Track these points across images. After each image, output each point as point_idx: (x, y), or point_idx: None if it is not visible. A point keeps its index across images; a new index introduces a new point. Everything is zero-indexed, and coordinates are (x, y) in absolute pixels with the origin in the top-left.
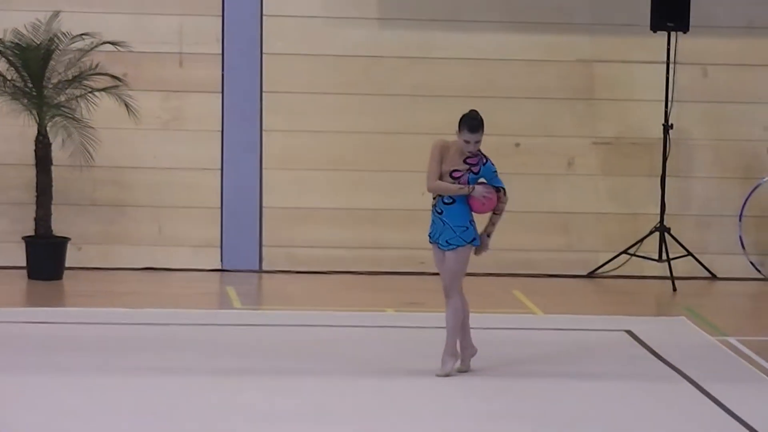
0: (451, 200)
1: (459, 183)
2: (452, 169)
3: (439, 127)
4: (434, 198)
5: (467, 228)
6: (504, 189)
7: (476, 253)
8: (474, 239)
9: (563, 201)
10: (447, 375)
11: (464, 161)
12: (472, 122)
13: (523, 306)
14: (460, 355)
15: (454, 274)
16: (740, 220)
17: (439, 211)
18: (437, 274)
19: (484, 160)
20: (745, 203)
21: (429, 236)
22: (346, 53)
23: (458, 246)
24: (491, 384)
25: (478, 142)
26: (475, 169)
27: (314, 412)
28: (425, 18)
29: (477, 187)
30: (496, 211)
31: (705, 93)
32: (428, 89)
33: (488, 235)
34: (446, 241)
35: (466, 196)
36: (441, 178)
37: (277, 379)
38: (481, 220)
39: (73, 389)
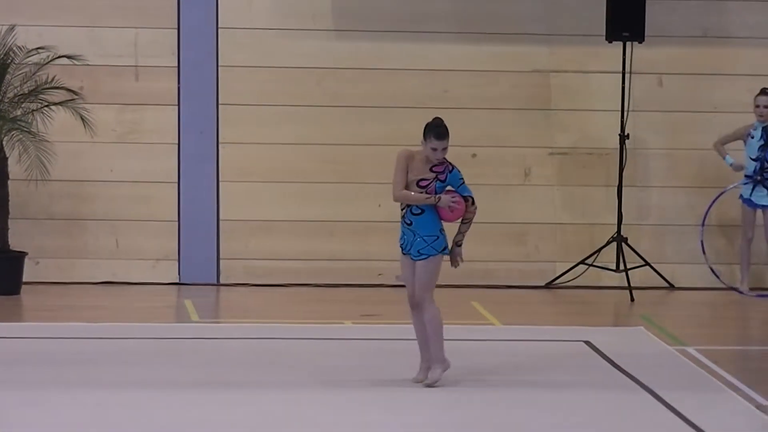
0: (419, 210)
1: (426, 192)
2: (419, 178)
3: (394, 138)
4: (402, 209)
5: (437, 237)
6: (472, 198)
7: (453, 265)
8: (445, 248)
9: (520, 211)
10: (433, 383)
11: (430, 169)
12: (438, 129)
13: (482, 317)
14: (421, 366)
15: (425, 284)
16: (702, 226)
17: (409, 222)
18: (395, 286)
19: (450, 168)
20: (708, 210)
21: (401, 247)
22: (300, 65)
23: (429, 255)
24: (450, 395)
25: (445, 149)
26: (441, 176)
27: (275, 425)
28: (379, 29)
29: (443, 196)
30: (465, 220)
31: (661, 102)
32: (383, 100)
33: (458, 245)
34: (418, 251)
35: (433, 205)
36: (407, 187)
37: (236, 392)
38: (451, 229)
39: (31, 404)
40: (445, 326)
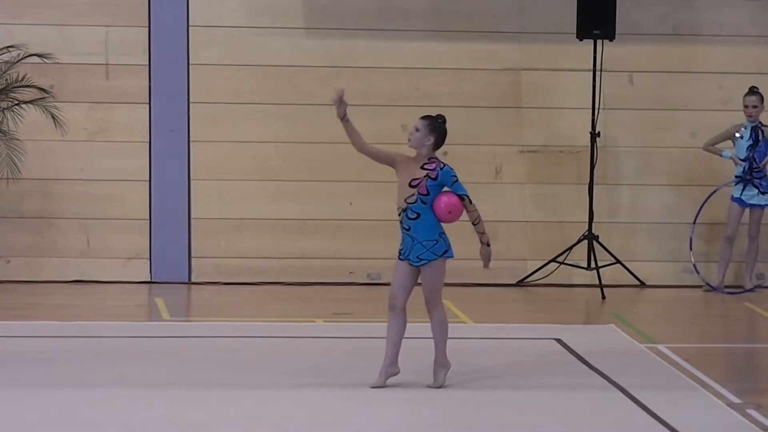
0: (415, 215)
1: (417, 190)
2: (411, 178)
3: (366, 136)
4: (399, 214)
5: (437, 241)
6: (467, 196)
7: (484, 266)
8: (446, 251)
9: (491, 209)
10: (440, 387)
11: (421, 167)
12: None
13: (453, 315)
14: (384, 370)
15: (433, 288)
16: (694, 223)
17: (407, 227)
18: (367, 284)
19: (441, 165)
20: (700, 208)
21: (399, 253)
22: (271, 63)
23: (430, 260)
24: (422, 394)
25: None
26: (432, 174)
27: (248, 424)
28: (350, 27)
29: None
30: (474, 222)
31: (631, 100)
32: (354, 98)
33: (487, 244)
34: (417, 257)
35: (430, 209)
36: (398, 189)
37: (208, 391)
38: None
39: (1, 402)
40: (416, 325)
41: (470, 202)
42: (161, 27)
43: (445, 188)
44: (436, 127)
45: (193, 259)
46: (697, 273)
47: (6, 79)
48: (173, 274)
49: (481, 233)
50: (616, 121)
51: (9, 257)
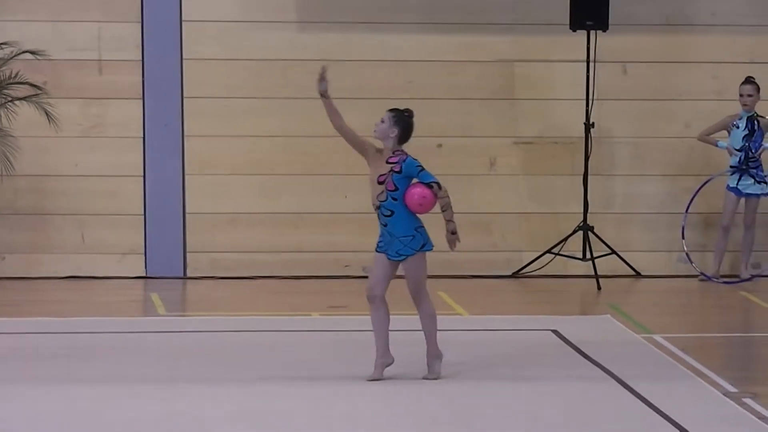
0: (389, 212)
1: (385, 186)
2: (378, 174)
3: (360, 129)
4: (375, 209)
5: (413, 236)
6: (437, 183)
7: (451, 248)
8: (424, 245)
9: (486, 201)
10: (436, 378)
11: (387, 161)
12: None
13: (449, 307)
14: (378, 362)
15: (417, 282)
16: (686, 213)
17: (384, 223)
18: (362, 277)
19: (404, 158)
20: (693, 197)
21: (377, 246)
22: (265, 57)
23: (408, 256)
24: (418, 386)
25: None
26: (396, 167)
27: (245, 418)
28: (344, 20)
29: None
30: (443, 207)
31: (625, 91)
32: (348, 92)
33: (453, 232)
34: (396, 252)
35: (403, 204)
36: (370, 184)
37: (205, 386)
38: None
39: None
40: (411, 317)
41: (440, 188)
42: (154, 22)
43: (414, 180)
44: (402, 120)
45: (188, 254)
46: (690, 262)
47: None
48: (168, 269)
49: (447, 220)
50: (610, 111)
51: (4, 254)
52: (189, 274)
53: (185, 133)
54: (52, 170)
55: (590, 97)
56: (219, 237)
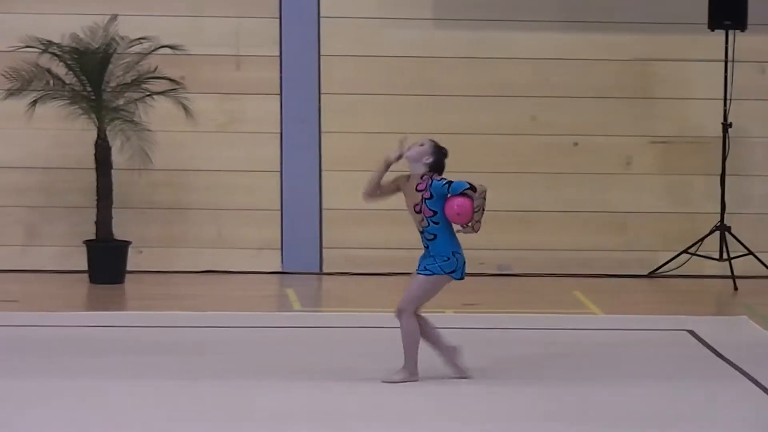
0: (432, 236)
1: (423, 215)
2: (413, 203)
3: (497, 127)
4: (420, 233)
5: (448, 259)
6: (470, 186)
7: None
8: (453, 271)
9: (621, 200)
10: (390, 381)
11: (416, 189)
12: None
13: (584, 306)
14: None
15: (414, 297)
16: None
17: (426, 245)
18: (497, 274)
19: (430, 181)
20: None
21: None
22: (401, 54)
23: (434, 273)
24: (549, 387)
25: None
26: (426, 194)
27: (380, 414)
28: (480, 18)
29: (407, 153)
30: (475, 209)
31: (763, 91)
32: (482, 89)
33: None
34: (424, 267)
35: (444, 224)
36: (409, 212)
37: (342, 381)
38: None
39: (133, 393)
40: (546, 315)
41: (474, 190)
42: (292, 18)
43: (449, 195)
44: (439, 152)
45: (324, 250)
46: None
47: (137, 71)
48: (304, 264)
49: (476, 221)
50: (747, 111)
51: (141, 247)
52: (325, 270)
53: (322, 129)
54: (189, 165)
55: (728, 96)
56: (354, 233)
